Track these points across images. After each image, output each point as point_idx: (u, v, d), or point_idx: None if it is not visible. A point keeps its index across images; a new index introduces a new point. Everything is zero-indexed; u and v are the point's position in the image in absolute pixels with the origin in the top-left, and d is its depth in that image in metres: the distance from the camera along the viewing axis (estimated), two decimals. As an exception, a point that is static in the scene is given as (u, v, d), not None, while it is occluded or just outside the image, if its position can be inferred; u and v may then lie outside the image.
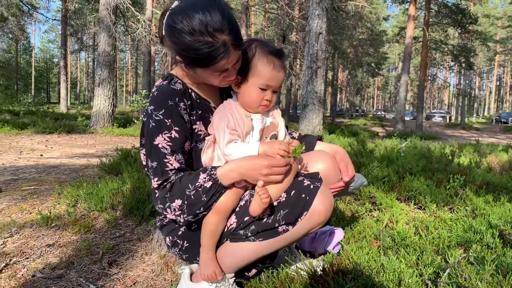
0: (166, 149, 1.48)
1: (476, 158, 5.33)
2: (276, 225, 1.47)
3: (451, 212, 2.90)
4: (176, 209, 1.46)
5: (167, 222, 1.67)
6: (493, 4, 52.86)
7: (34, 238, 2.31)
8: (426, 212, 2.88)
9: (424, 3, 25.48)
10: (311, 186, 1.47)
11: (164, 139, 1.49)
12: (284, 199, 1.49)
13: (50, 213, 2.55)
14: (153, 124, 1.49)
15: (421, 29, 25.84)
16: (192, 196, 1.44)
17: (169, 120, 1.49)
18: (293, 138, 1.85)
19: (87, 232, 2.39)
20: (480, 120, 49.88)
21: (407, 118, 36.38)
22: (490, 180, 3.56)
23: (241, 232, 1.52)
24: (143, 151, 1.61)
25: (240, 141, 1.51)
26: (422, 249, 2.09)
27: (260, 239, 1.50)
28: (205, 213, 1.48)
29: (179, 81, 1.59)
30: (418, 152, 4.93)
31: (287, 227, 1.47)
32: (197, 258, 1.61)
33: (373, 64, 39.33)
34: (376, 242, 2.22)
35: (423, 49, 24.93)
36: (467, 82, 42.84)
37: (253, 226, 1.50)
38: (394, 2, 27.94)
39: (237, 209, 1.56)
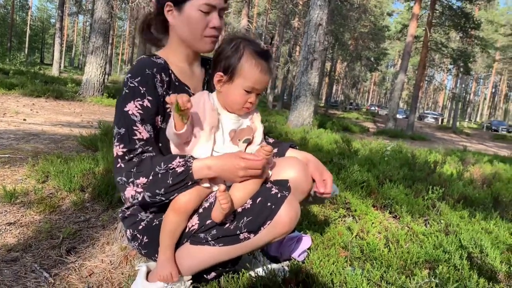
0: (136, 116, 1.44)
1: (460, 168, 5.34)
2: (238, 232, 1.42)
3: (425, 225, 2.89)
4: (139, 186, 1.40)
5: (129, 215, 1.61)
6: (499, 10, 52.76)
7: (-4, 214, 2.24)
8: (400, 222, 2.86)
9: (429, 3, 25.31)
10: (278, 195, 1.42)
11: (136, 106, 1.44)
12: (249, 205, 1.44)
13: (15, 189, 2.47)
14: (127, 91, 1.45)
15: (423, 28, 25.72)
16: (159, 175, 1.39)
17: (144, 88, 1.45)
18: (268, 143, 1.79)
19: (51, 213, 2.32)
20: (471, 125, 50.29)
21: (399, 116, 36.53)
22: (468, 195, 3.56)
23: (202, 235, 1.47)
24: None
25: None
26: (389, 263, 2.07)
27: (220, 245, 1.46)
28: (163, 198, 1.42)
29: (162, 58, 1.56)
30: (403, 156, 4.91)
31: (248, 235, 1.42)
32: (155, 255, 1.57)
33: (372, 59, 39.20)
34: (344, 252, 2.19)
35: (423, 49, 24.86)
36: (463, 86, 42.97)
37: (214, 230, 1.45)
38: (399, -1, 27.71)
39: (201, 210, 1.51)
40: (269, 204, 1.41)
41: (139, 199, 1.42)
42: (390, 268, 1.98)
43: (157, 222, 1.53)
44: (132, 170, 1.40)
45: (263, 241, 1.44)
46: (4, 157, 3.53)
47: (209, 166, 1.41)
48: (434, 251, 2.24)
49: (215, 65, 1.55)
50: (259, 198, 1.43)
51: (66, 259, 1.84)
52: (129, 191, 1.42)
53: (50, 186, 2.76)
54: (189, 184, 1.41)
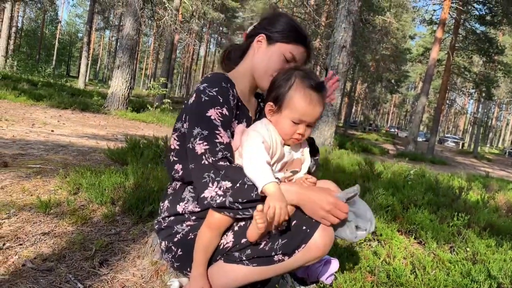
0: (218, 121, 1.50)
1: (485, 194, 5.25)
2: (273, 253, 1.45)
3: (451, 252, 2.85)
4: (221, 188, 1.42)
5: (165, 226, 1.66)
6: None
7: (31, 223, 2.31)
8: (425, 249, 2.84)
9: (452, 27, 25.21)
10: (313, 219, 1.44)
11: (217, 113, 1.50)
12: (284, 228, 1.47)
13: (50, 200, 2.55)
14: (206, 98, 1.52)
15: (446, 52, 25.58)
16: (246, 185, 1.40)
17: (222, 98, 1.52)
18: None
19: (83, 225, 2.38)
20: (493, 151, 49.30)
21: (419, 139, 36.08)
22: (495, 223, 3.50)
23: (236, 254, 1.50)
24: (175, 135, 1.64)
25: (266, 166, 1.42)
26: (416, 290, 2.05)
27: (254, 265, 1.48)
28: (240, 207, 1.42)
29: (231, 79, 1.64)
30: (426, 181, 4.87)
31: (283, 257, 1.44)
32: (188, 269, 1.60)
33: (393, 81, 39.04)
34: (371, 277, 2.19)
35: (445, 73, 24.70)
36: (485, 111, 42.33)
37: (249, 250, 1.48)
38: (422, 22, 27.68)
39: (236, 228, 1.54)
40: (304, 227, 1.43)
41: (218, 201, 1.42)
42: (417, 295, 1.97)
43: (192, 236, 1.57)
44: (221, 171, 1.44)
45: (297, 264, 1.46)
46: (36, 168, 3.64)
47: (296, 192, 1.44)
48: (461, 279, 2.21)
49: (268, 94, 1.60)
50: (294, 221, 1.45)
51: (99, 271, 1.88)
52: (210, 191, 1.43)
53: (81, 198, 2.83)
54: None
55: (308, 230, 1.42)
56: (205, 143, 1.47)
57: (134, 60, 13.22)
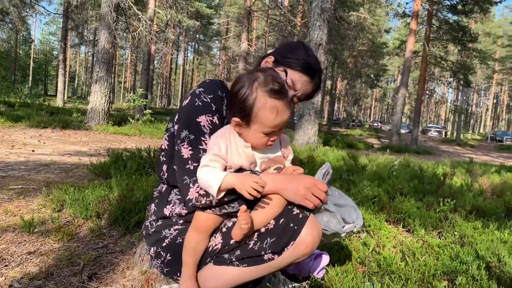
0: (206, 129, 1.52)
1: (468, 180, 5.34)
2: (262, 253, 1.44)
3: (439, 237, 2.89)
4: (202, 189, 1.44)
5: (153, 232, 1.65)
6: (495, 22, 53.30)
7: (16, 244, 2.27)
8: (414, 236, 2.87)
9: (426, 18, 25.62)
10: (300, 216, 1.45)
11: (207, 120, 1.52)
12: (272, 226, 1.46)
13: (33, 219, 2.50)
14: (200, 103, 1.54)
15: (421, 43, 25.97)
16: None
17: (215, 106, 1.55)
18: None
19: (70, 241, 2.35)
20: (475, 137, 50.16)
21: (403, 131, 36.56)
22: (480, 205, 3.56)
23: (226, 256, 1.50)
24: (166, 135, 1.67)
25: (216, 169, 1.43)
26: (407, 276, 2.07)
27: (244, 265, 1.48)
28: (224, 204, 1.45)
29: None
30: (410, 171, 4.92)
31: (272, 256, 1.44)
32: (178, 274, 1.59)
33: (372, 76, 39.42)
34: (362, 267, 2.20)
35: (423, 64, 25.06)
36: (465, 98, 43.07)
37: (239, 251, 1.48)
38: (396, 16, 28.07)
39: (224, 229, 1.54)
40: (291, 225, 1.43)
41: (203, 202, 1.44)
42: (409, 281, 1.99)
43: (181, 240, 1.57)
44: None
45: (287, 261, 1.46)
46: (18, 188, 3.58)
47: (274, 179, 1.46)
48: (451, 262, 2.24)
49: (231, 106, 1.51)
50: (282, 219, 1.46)
51: (88, 285, 1.85)
52: (193, 193, 1.46)
53: (66, 214, 2.79)
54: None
55: (296, 227, 1.42)
56: (190, 148, 1.50)
57: (112, 74, 13.11)
